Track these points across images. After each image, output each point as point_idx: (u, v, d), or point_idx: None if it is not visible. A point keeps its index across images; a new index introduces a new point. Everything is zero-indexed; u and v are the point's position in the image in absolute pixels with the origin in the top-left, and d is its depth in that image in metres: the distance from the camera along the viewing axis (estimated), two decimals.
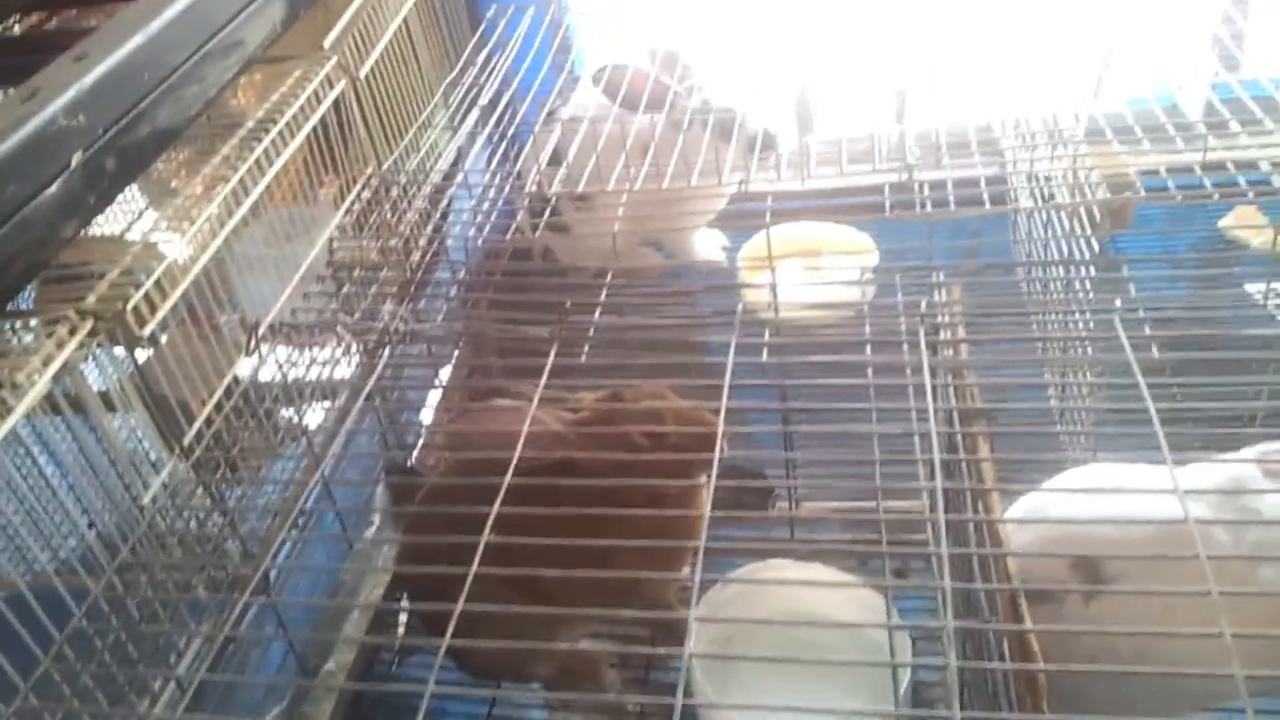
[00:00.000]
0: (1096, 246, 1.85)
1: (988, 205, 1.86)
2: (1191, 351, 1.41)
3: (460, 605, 1.07)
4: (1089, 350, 1.76)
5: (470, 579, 1.11)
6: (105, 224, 1.65)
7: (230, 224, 1.68)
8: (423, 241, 2.06)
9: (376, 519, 1.98)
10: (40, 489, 1.63)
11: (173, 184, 1.83)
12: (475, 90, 2.36)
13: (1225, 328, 1.52)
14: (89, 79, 1.47)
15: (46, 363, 1.34)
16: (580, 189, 1.97)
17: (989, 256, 2.28)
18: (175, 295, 1.54)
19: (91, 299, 1.45)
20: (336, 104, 1.99)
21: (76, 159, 1.44)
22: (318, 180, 2.00)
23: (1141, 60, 2.06)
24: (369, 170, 2.12)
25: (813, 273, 2.18)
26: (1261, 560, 1.26)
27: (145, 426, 1.54)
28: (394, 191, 2.06)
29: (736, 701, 1.47)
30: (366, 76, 2.10)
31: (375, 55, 2.13)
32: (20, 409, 1.28)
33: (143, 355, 1.52)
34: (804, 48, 2.43)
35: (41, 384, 1.32)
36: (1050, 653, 1.03)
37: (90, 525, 1.57)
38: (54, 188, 1.39)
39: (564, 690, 1.79)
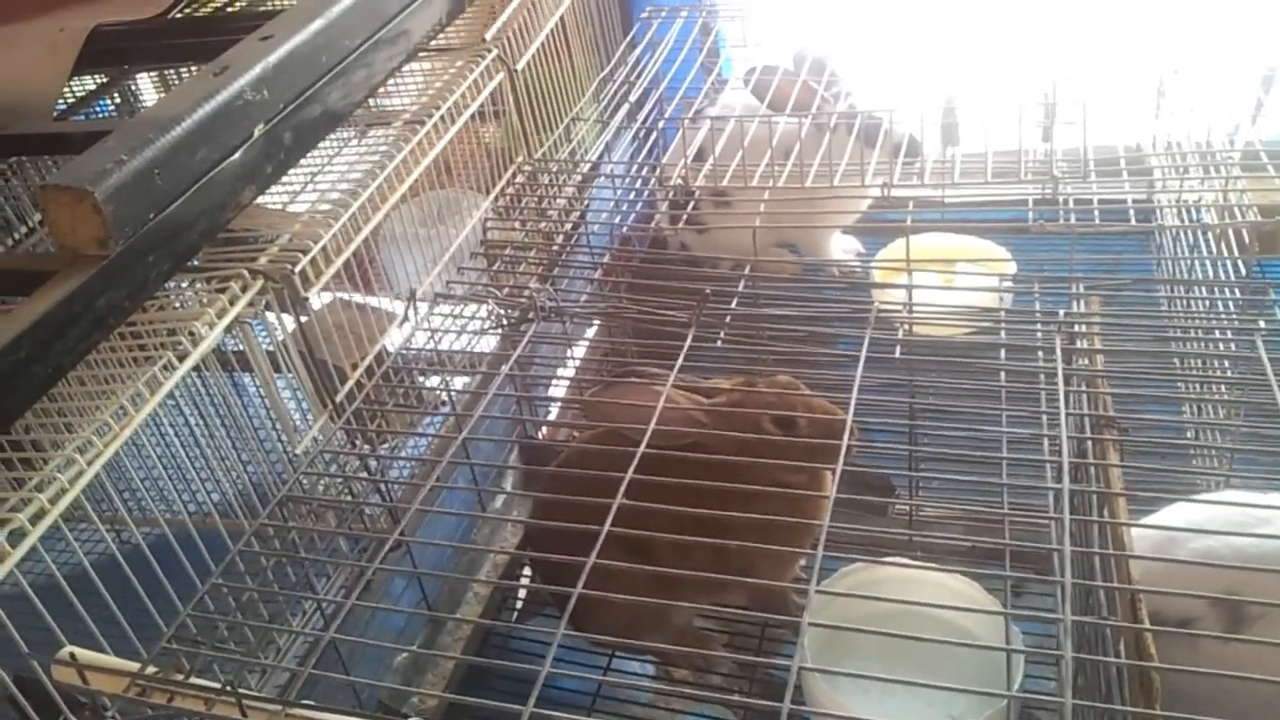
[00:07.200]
0: (1243, 270, 1.82)
1: (1133, 221, 1.84)
2: None
3: (591, 559, 1.11)
4: (1228, 371, 1.73)
5: (600, 540, 1.15)
6: (267, 197, 1.76)
7: (390, 203, 1.78)
8: (568, 227, 2.14)
9: (509, 482, 2.06)
10: (202, 436, 1.75)
11: (336, 160, 1.94)
12: (625, 88, 2.44)
13: None
14: (274, 57, 1.58)
15: (221, 315, 1.45)
16: (724, 184, 2.01)
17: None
18: (339, 262, 1.64)
19: (263, 260, 1.57)
20: (493, 93, 2.08)
21: (259, 130, 1.55)
22: (470, 165, 2.09)
23: None
24: (520, 158, 2.22)
25: (948, 280, 2.17)
26: None
27: (302, 384, 1.65)
28: (544, 179, 2.14)
29: (842, 688, 1.46)
30: (523, 69, 2.19)
31: (533, 49, 2.22)
32: (197, 354, 1.39)
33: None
34: (951, 58, 2.43)
35: (216, 333, 1.43)
36: (1181, 687, 1.01)
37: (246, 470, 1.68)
38: (237, 155, 1.50)
39: (673, 664, 1.83)
